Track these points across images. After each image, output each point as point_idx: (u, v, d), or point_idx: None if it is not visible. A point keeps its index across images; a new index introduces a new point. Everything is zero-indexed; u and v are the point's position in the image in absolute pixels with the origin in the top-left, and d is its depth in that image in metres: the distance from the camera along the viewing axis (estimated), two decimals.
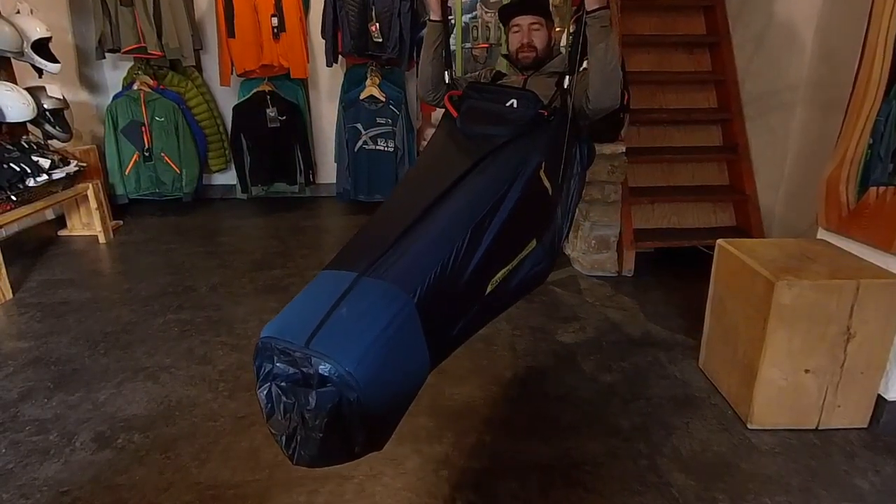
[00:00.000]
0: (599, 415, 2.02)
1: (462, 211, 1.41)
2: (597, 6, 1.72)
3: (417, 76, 2.13)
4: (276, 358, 1.13)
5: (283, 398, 1.10)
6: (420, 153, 1.91)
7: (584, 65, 1.82)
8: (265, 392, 1.13)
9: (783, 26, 3.17)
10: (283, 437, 1.13)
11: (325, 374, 1.06)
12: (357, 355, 1.09)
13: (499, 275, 1.47)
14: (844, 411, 1.92)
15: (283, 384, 1.10)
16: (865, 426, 1.93)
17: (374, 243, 1.35)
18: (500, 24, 3.08)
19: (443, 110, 1.96)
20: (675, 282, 3.18)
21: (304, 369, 1.09)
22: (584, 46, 1.76)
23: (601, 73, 1.76)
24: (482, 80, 2.13)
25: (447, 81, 2.03)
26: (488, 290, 1.44)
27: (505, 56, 2.15)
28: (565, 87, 1.79)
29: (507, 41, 2.10)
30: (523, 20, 2.02)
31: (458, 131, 1.82)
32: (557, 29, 2.42)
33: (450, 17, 2.01)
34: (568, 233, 1.92)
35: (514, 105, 1.78)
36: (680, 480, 1.70)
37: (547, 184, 1.66)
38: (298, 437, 1.11)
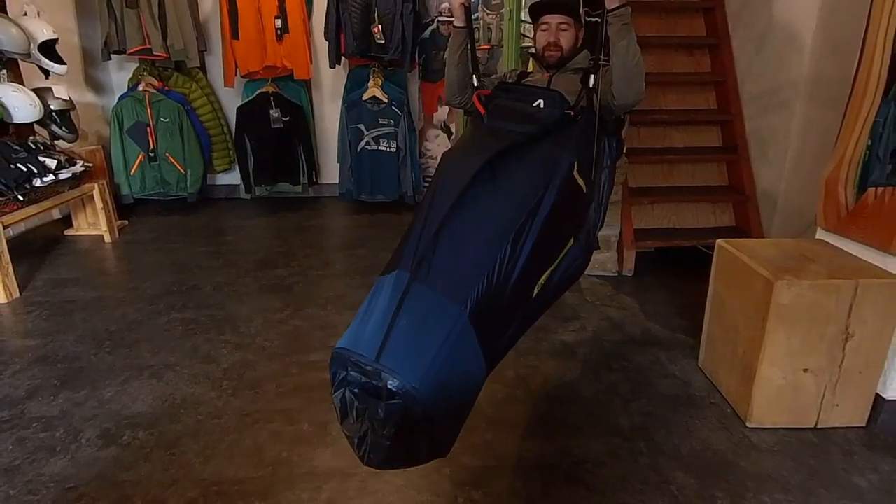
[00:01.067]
0: (600, 414, 2.02)
1: (501, 217, 1.43)
2: (617, 4, 1.73)
3: (444, 83, 2.12)
4: (349, 367, 1.20)
5: (356, 403, 1.18)
6: (448, 150, 1.91)
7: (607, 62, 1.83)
8: (339, 396, 1.22)
9: (783, 28, 3.17)
10: (356, 439, 1.21)
11: (393, 388, 1.13)
12: (421, 371, 1.16)
13: (543, 277, 1.50)
14: (843, 410, 1.92)
15: (356, 391, 1.18)
16: (864, 425, 1.93)
17: (417, 240, 1.39)
18: (512, 22, 3.09)
19: (445, 111, 1.96)
20: (675, 281, 3.18)
21: (375, 382, 1.15)
22: (606, 44, 1.77)
23: (624, 69, 1.77)
24: (508, 79, 2.13)
25: (475, 84, 2.03)
26: (535, 293, 1.47)
27: (532, 54, 2.14)
28: (591, 85, 1.79)
29: (533, 38, 2.10)
30: (552, 19, 2.01)
31: (484, 127, 1.83)
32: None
33: (475, 22, 2.01)
34: (602, 225, 1.94)
35: (542, 105, 1.79)
36: (680, 479, 1.70)
37: (581, 182, 1.66)
38: (368, 441, 1.19)
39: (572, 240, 1.66)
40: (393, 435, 1.16)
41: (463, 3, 1.96)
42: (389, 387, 1.13)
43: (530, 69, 2.15)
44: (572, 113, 1.74)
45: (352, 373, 1.19)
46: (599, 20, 1.82)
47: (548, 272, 1.52)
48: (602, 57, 1.81)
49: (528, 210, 1.43)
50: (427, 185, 4.81)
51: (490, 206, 1.46)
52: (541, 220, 1.44)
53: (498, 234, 1.38)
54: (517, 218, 1.41)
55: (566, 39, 2.01)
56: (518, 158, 1.59)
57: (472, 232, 1.40)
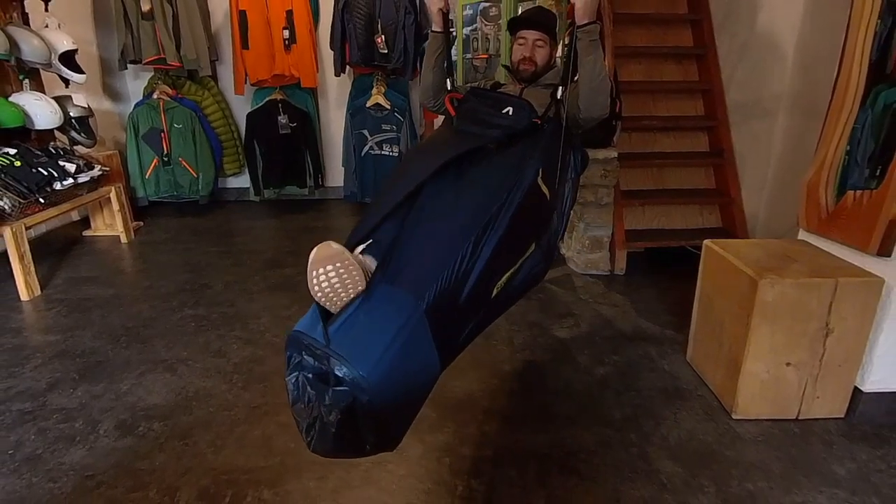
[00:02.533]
0: (593, 406, 2.02)
1: (465, 216, 1.39)
2: (586, 21, 1.72)
3: (420, 84, 2.12)
4: (304, 351, 1.17)
5: (308, 388, 1.14)
6: (413, 147, 1.90)
7: (577, 77, 1.83)
8: (293, 380, 1.18)
9: (766, 38, 3.17)
10: (305, 424, 1.17)
11: (341, 375, 1.10)
12: (371, 361, 1.12)
13: (503, 279, 1.47)
14: (823, 402, 1.92)
15: (308, 375, 1.15)
16: (843, 416, 1.93)
17: (379, 235, 1.36)
18: (508, 34, 3.08)
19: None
20: (664, 280, 3.18)
21: (324, 367, 1.12)
22: (575, 58, 1.77)
23: (590, 85, 1.77)
24: (482, 87, 2.12)
25: (449, 89, 2.02)
26: (494, 293, 1.44)
27: (505, 66, 2.14)
28: (558, 97, 1.78)
29: (510, 51, 2.10)
30: (529, 34, 2.01)
31: (452, 129, 1.82)
32: (563, 42, 2.38)
33: (451, 30, 1.99)
34: (563, 234, 1.93)
35: (510, 112, 1.77)
36: (668, 468, 1.70)
37: (545, 189, 1.65)
38: (316, 427, 1.15)
39: (534, 245, 1.64)
40: (338, 422, 1.12)
41: (441, 9, 1.95)
42: (337, 373, 1.10)
43: (504, 80, 2.14)
44: (539, 122, 1.73)
45: (306, 357, 1.16)
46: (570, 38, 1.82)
47: (508, 274, 1.49)
48: (571, 71, 1.80)
49: (491, 211, 1.40)
50: None
51: (454, 203, 1.43)
52: (504, 222, 1.40)
53: (461, 232, 1.34)
54: (480, 218, 1.38)
55: (541, 55, 2.01)
56: (484, 160, 1.56)
57: (436, 228, 1.37)
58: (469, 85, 2.21)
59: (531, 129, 1.71)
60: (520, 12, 3.28)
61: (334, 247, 1.18)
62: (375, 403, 1.12)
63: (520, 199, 1.46)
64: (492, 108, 1.80)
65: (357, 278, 1.19)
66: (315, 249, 1.17)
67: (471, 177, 1.50)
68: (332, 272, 1.17)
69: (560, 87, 1.78)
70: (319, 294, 1.18)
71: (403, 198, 1.40)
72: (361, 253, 1.30)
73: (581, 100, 1.80)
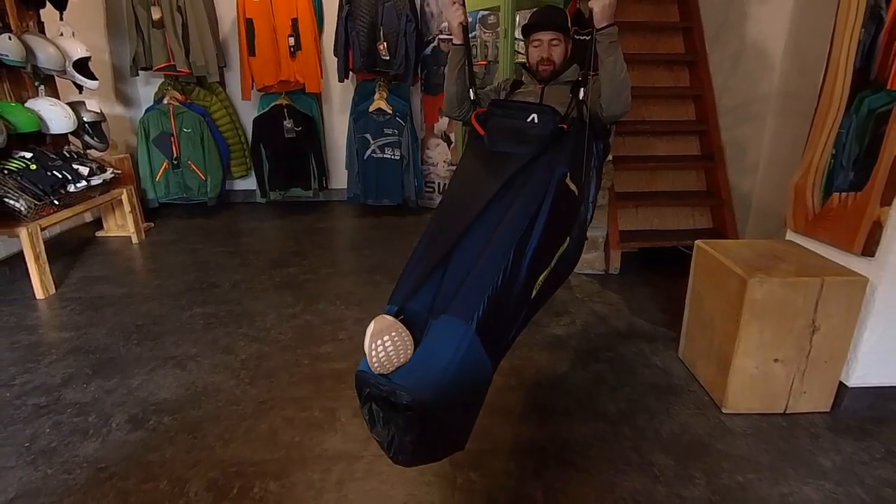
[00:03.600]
0: (588, 401, 2.02)
1: (503, 233, 1.44)
2: (605, 24, 1.74)
3: (444, 97, 2.11)
4: (370, 388, 1.25)
5: (381, 414, 1.24)
6: (454, 173, 1.91)
7: (594, 75, 1.83)
8: (367, 409, 1.27)
9: (755, 46, 3.18)
10: (385, 443, 1.26)
11: (406, 402, 1.18)
12: (433, 385, 1.21)
13: (541, 278, 1.51)
14: (809, 397, 1.92)
15: (379, 403, 1.24)
16: (828, 410, 1.94)
17: (430, 273, 1.41)
18: (507, 38, 3.08)
19: (445, 122, 1.96)
20: (657, 279, 3.18)
21: (392, 398, 1.19)
22: (595, 60, 1.77)
23: (612, 83, 1.77)
24: (502, 91, 2.11)
25: (472, 98, 2.02)
26: (533, 294, 1.49)
27: (524, 66, 2.13)
28: (580, 98, 1.80)
29: (526, 53, 2.09)
30: (544, 36, 2.00)
31: (485, 150, 1.82)
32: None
33: (470, 41, 1.97)
34: (591, 219, 1.94)
35: (535, 120, 1.78)
36: (661, 460, 1.70)
37: (573, 188, 1.68)
38: (395, 444, 1.24)
39: (568, 239, 1.68)
40: (414, 440, 1.22)
41: (461, 23, 1.95)
42: (403, 402, 1.18)
43: (523, 79, 2.14)
44: (565, 126, 1.74)
45: (373, 390, 1.24)
46: (588, 38, 1.83)
47: (545, 273, 1.53)
48: (591, 72, 1.82)
49: (528, 220, 1.46)
50: (428, 190, 4.82)
51: (492, 224, 1.48)
52: (540, 229, 1.47)
53: (500, 249, 1.40)
54: (518, 230, 1.44)
55: (557, 54, 2.01)
56: (519, 176, 1.60)
57: (478, 250, 1.42)
58: (489, 88, 2.19)
59: (558, 134, 1.72)
60: (517, 19, 3.29)
61: (388, 319, 1.26)
62: (442, 420, 1.23)
63: (551, 204, 1.52)
64: (517, 119, 1.81)
65: (409, 343, 1.26)
66: (372, 323, 1.24)
67: (509, 194, 1.55)
68: (389, 342, 1.24)
69: (582, 88, 1.80)
70: (377, 364, 1.22)
71: (452, 244, 1.44)
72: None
73: (603, 98, 1.80)
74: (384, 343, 1.23)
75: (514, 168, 1.62)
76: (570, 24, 2.14)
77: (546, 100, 1.96)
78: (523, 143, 1.74)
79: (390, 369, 1.23)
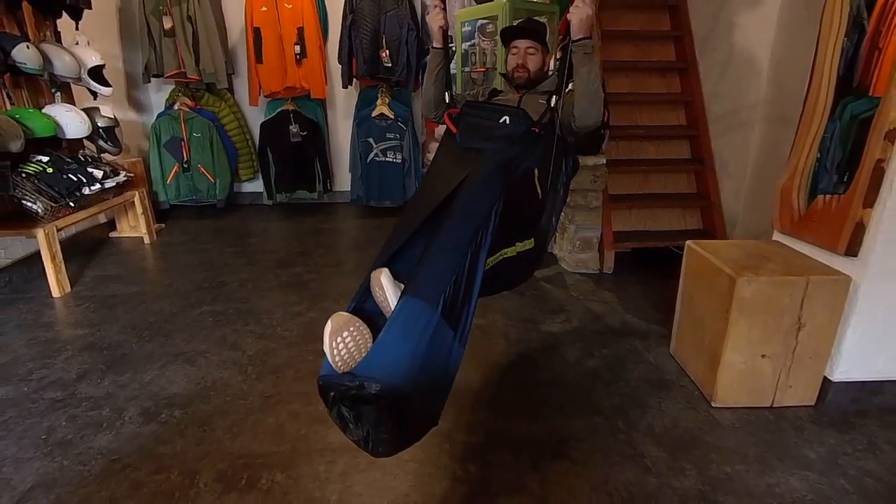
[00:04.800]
0: (583, 396, 2.02)
1: (466, 218, 1.39)
2: (580, 36, 1.73)
3: (422, 98, 2.12)
4: (334, 390, 1.19)
5: (351, 413, 1.19)
6: (428, 168, 1.91)
7: (570, 87, 1.82)
8: (336, 413, 1.22)
9: (743, 54, 3.18)
10: (362, 441, 1.22)
11: (375, 392, 1.13)
12: (402, 370, 1.17)
13: (500, 255, 1.52)
14: (795, 391, 1.93)
15: (347, 404, 1.19)
16: (813, 404, 1.94)
17: (398, 251, 1.41)
18: (502, 46, 3.08)
19: (444, 126, 1.96)
20: (649, 278, 3.18)
21: (360, 392, 1.15)
22: (569, 70, 1.77)
23: (585, 94, 1.76)
24: (480, 97, 2.11)
25: (447, 101, 2.02)
26: (487, 267, 1.44)
27: (503, 74, 2.14)
28: (552, 105, 1.78)
29: (505, 60, 2.09)
30: (521, 43, 2.01)
31: (456, 146, 1.82)
32: (555, 56, 2.36)
33: (450, 46, 1.98)
34: (553, 233, 1.94)
35: (507, 122, 1.76)
36: (653, 452, 1.71)
37: (539, 190, 1.68)
38: (372, 439, 1.20)
39: (533, 240, 1.68)
40: (389, 429, 1.20)
41: (442, 27, 1.95)
42: (373, 391, 1.13)
43: (501, 87, 2.14)
44: (537, 130, 1.73)
45: (339, 390, 1.18)
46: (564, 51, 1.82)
47: (506, 251, 1.55)
48: (566, 81, 1.80)
49: (490, 204, 1.40)
50: None
51: (457, 211, 1.42)
52: (500, 211, 1.41)
53: (465, 233, 1.36)
54: (481, 213, 1.39)
55: (533, 62, 2.01)
56: (482, 164, 1.55)
57: (444, 239, 1.37)
58: (468, 93, 2.19)
59: (530, 136, 1.72)
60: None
61: (344, 315, 1.23)
62: (415, 401, 1.19)
63: (514, 188, 1.49)
64: (489, 120, 1.80)
65: (367, 336, 1.23)
66: (329, 322, 1.20)
67: (470, 181, 1.49)
68: (349, 337, 1.21)
69: (554, 96, 1.79)
70: (339, 362, 1.18)
71: (421, 221, 1.42)
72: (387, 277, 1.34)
73: (576, 109, 1.78)
74: (344, 340, 1.20)
75: (481, 160, 1.59)
76: (561, 38, 2.13)
77: (523, 107, 1.94)
78: (493, 141, 1.71)
79: (352, 365, 1.19)
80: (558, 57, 2.05)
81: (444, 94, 2.02)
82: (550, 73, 2.11)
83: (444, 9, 1.96)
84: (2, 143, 2.69)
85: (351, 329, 1.21)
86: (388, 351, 1.19)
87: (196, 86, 4.46)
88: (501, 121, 1.77)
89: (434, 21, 1.96)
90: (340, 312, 1.24)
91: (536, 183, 1.65)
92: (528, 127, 1.72)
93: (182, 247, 3.84)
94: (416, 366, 1.19)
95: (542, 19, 3.24)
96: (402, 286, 1.29)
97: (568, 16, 1.74)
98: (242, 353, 2.32)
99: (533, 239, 1.70)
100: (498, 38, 3.24)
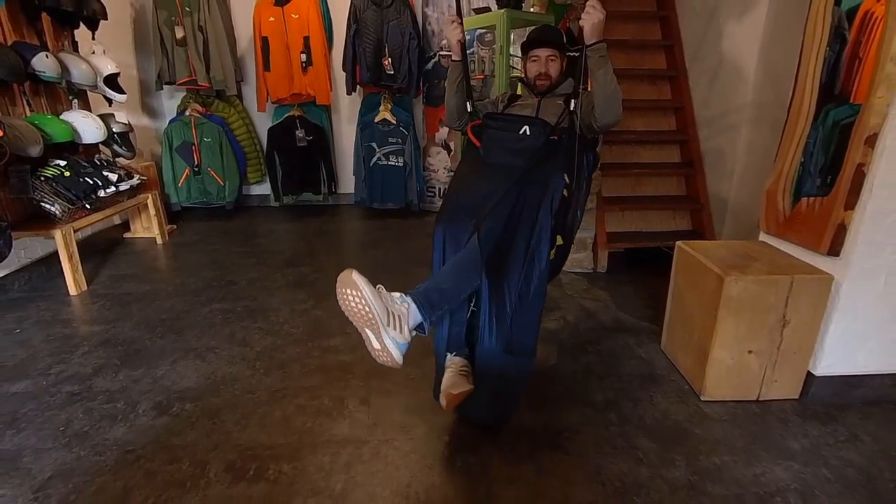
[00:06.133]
0: (577, 390, 2.03)
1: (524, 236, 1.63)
2: (594, 40, 1.74)
3: (445, 110, 2.12)
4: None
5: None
6: (454, 176, 1.95)
7: (585, 88, 1.84)
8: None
9: (730, 63, 3.18)
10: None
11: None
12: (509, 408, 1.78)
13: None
14: (780, 385, 1.93)
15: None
16: (797, 397, 1.95)
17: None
18: (501, 52, 3.09)
19: (445, 131, 1.98)
20: (641, 277, 3.18)
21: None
22: (585, 73, 1.77)
23: (603, 94, 1.76)
24: (500, 104, 2.11)
25: (469, 110, 2.02)
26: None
27: (522, 81, 2.12)
28: (572, 109, 1.79)
29: (524, 68, 2.08)
30: (542, 52, 1.99)
31: (481, 160, 1.82)
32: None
33: (468, 57, 1.98)
34: (579, 225, 1.96)
35: (527, 132, 1.78)
36: (644, 444, 1.71)
37: (566, 193, 1.71)
38: None
39: (560, 238, 1.71)
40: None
41: (460, 40, 1.96)
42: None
43: (520, 92, 2.14)
44: (555, 138, 1.74)
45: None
46: (577, 54, 1.83)
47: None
48: (581, 85, 1.81)
49: (549, 245, 1.65)
50: (429, 194, 4.83)
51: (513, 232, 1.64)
52: (546, 230, 1.63)
53: (529, 283, 1.64)
54: (543, 256, 1.64)
55: (554, 69, 2.01)
56: (518, 185, 1.65)
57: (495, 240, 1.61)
58: (488, 100, 2.19)
59: (550, 145, 1.72)
60: (511, 37, 3.29)
61: (355, 276, 1.44)
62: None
63: (551, 208, 1.64)
64: (510, 132, 1.81)
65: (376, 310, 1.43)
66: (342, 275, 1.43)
67: (518, 203, 1.66)
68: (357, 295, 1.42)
69: (573, 99, 1.79)
70: (345, 310, 1.41)
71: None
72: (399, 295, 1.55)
73: (597, 109, 1.79)
74: (352, 295, 1.41)
75: (509, 177, 1.66)
76: (564, 40, 2.14)
77: (542, 111, 1.96)
78: (516, 155, 1.75)
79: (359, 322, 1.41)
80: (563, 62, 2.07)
81: (466, 104, 2.01)
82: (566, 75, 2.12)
83: (462, 23, 1.96)
84: (22, 147, 2.70)
85: (355, 293, 1.42)
86: (498, 402, 1.72)
87: (206, 93, 4.47)
88: (521, 131, 1.78)
89: (452, 35, 1.96)
90: (349, 269, 1.46)
91: (565, 191, 1.68)
92: (547, 137, 1.74)
93: (193, 247, 3.85)
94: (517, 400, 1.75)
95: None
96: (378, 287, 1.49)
97: (580, 22, 1.74)
98: (251, 349, 2.32)
99: (560, 237, 1.73)
100: (496, 46, 3.24)
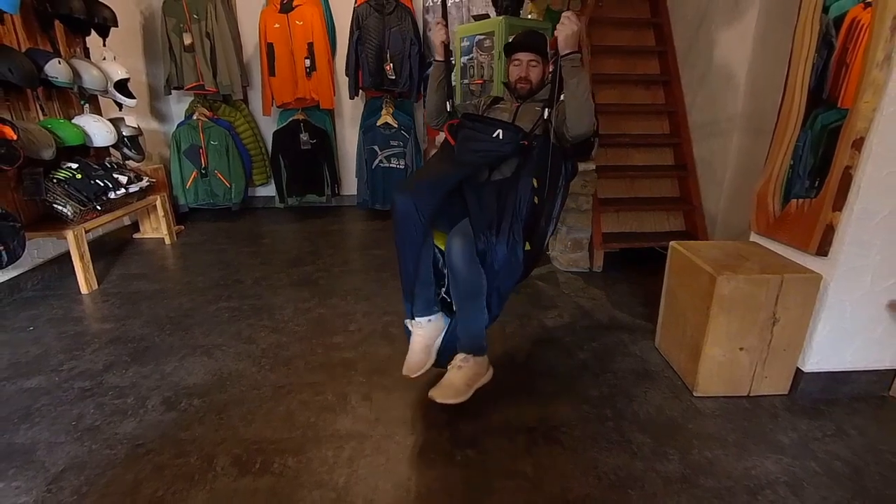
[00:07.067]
0: (574, 386, 2.03)
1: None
2: (568, 50, 1.72)
3: (424, 106, 2.13)
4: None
5: None
6: (426, 161, 1.98)
7: (563, 97, 1.81)
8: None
9: (722, 68, 3.19)
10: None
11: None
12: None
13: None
14: (770, 381, 1.93)
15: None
16: (786, 393, 1.95)
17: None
18: (501, 59, 3.09)
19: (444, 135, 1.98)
20: (636, 276, 3.19)
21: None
22: (560, 83, 1.76)
23: (575, 104, 1.73)
24: (482, 106, 2.09)
25: (448, 110, 2.02)
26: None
27: (504, 83, 2.13)
28: (545, 117, 1.78)
29: (506, 71, 2.07)
30: (524, 56, 1.98)
31: (454, 158, 1.82)
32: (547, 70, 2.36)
33: (451, 59, 1.97)
34: (553, 234, 1.94)
35: (500, 136, 1.77)
36: (639, 438, 1.71)
37: (536, 200, 1.69)
38: None
39: (527, 244, 1.68)
40: None
41: (443, 42, 1.96)
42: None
43: (502, 95, 2.13)
44: (526, 143, 1.73)
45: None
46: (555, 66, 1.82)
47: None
48: (557, 94, 1.79)
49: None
50: None
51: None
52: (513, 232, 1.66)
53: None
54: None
55: (535, 74, 1.98)
56: (490, 186, 1.69)
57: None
58: (469, 102, 2.19)
59: (521, 150, 1.72)
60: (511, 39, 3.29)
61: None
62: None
63: (519, 212, 1.65)
64: (483, 133, 1.81)
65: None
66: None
67: (486, 195, 1.71)
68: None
69: (547, 108, 1.78)
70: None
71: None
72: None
73: (568, 119, 1.75)
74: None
75: (476, 176, 1.76)
76: (552, 52, 2.13)
77: (519, 116, 1.94)
78: (485, 157, 1.76)
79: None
80: (550, 70, 2.05)
81: (446, 104, 2.02)
82: (547, 82, 2.11)
83: (446, 25, 1.97)
84: (35, 151, 2.70)
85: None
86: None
87: (213, 97, 4.47)
88: (495, 135, 1.78)
89: (436, 36, 1.97)
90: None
91: (534, 193, 1.66)
92: (518, 142, 1.73)
93: (200, 247, 3.85)
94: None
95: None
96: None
97: (555, 33, 1.73)
98: (256, 346, 2.33)
99: (528, 242, 1.69)
100: (495, 52, 3.24)
